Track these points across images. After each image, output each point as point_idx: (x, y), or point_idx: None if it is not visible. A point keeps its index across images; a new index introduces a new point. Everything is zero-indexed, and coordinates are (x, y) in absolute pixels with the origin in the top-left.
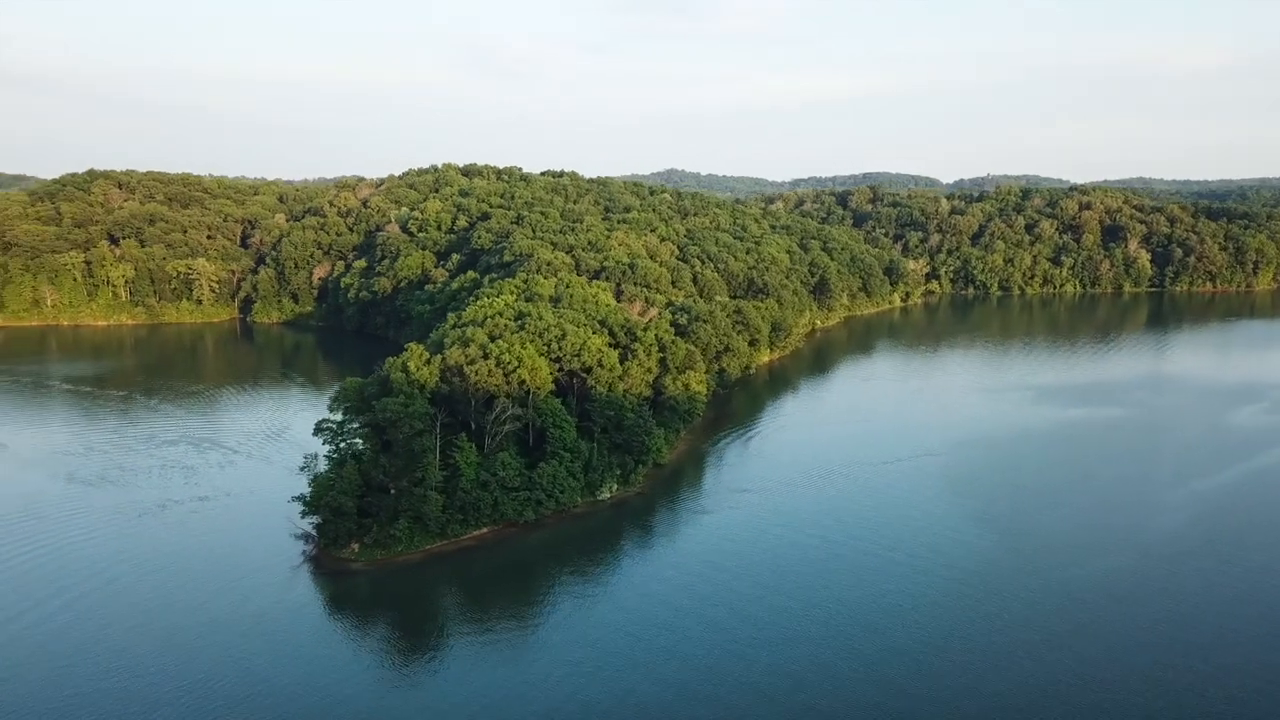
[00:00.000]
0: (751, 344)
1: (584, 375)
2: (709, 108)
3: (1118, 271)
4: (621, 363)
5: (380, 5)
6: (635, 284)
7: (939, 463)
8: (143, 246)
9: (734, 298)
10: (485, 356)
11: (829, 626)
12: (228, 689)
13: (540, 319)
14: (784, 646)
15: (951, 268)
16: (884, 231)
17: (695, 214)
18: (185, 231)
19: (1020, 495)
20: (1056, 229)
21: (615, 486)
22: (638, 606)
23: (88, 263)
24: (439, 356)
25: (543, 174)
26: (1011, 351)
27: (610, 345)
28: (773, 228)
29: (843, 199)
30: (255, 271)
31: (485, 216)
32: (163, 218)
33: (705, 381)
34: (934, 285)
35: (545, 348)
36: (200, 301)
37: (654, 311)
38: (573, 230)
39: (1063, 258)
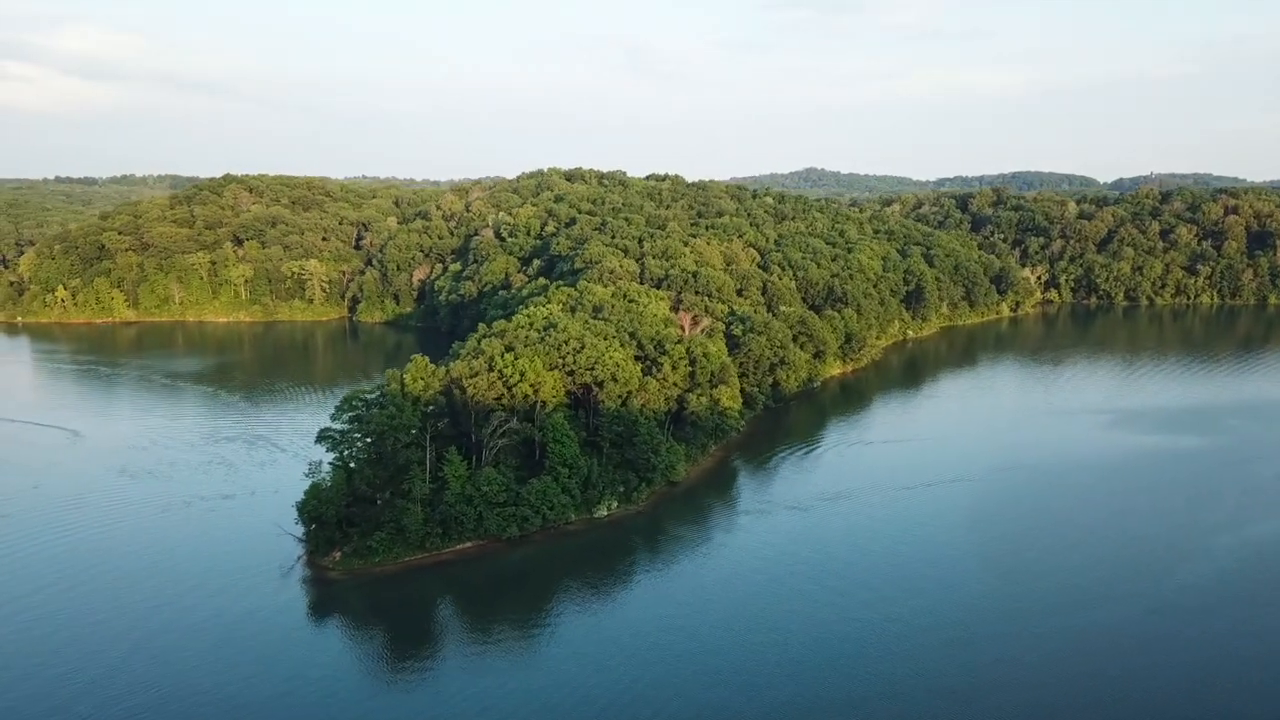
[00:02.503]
0: (816, 356)
1: (598, 388)
2: (858, 105)
3: (1262, 282)
4: (645, 376)
5: (527, 10)
6: (696, 293)
7: (970, 489)
8: (263, 248)
9: (812, 307)
10: (490, 369)
11: (778, 665)
12: (156, 686)
13: (563, 330)
14: (767, 688)
15: (1073, 276)
16: (1002, 236)
17: (792, 218)
18: (302, 233)
19: (1044, 531)
20: (1195, 235)
21: (615, 504)
22: (611, 627)
23: (213, 263)
24: (444, 368)
25: (646, 178)
26: (1125, 368)
27: (636, 358)
28: (876, 232)
29: (963, 201)
30: (363, 272)
31: (572, 222)
32: (283, 220)
33: (738, 397)
34: (1052, 294)
35: (560, 360)
36: (311, 300)
37: (706, 321)
38: (650, 237)
39: (1199, 266)
